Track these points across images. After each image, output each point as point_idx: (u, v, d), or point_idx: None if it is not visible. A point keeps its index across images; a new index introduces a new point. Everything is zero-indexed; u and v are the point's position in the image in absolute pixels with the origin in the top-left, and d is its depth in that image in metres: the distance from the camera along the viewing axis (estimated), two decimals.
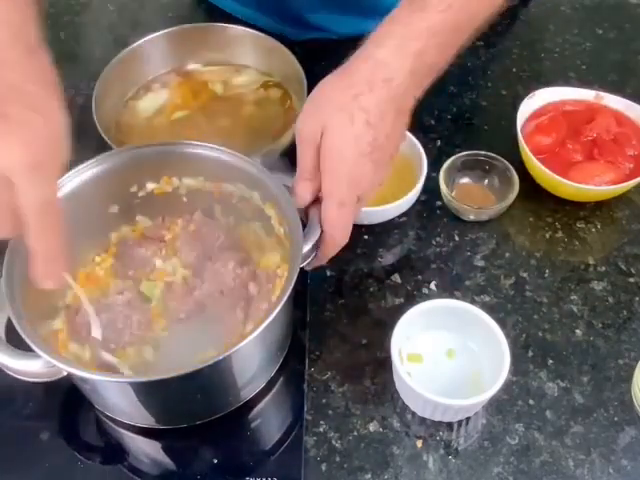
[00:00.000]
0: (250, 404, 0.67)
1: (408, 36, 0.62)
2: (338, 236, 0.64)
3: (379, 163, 0.63)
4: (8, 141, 0.49)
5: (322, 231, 0.63)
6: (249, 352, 0.61)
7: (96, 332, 0.63)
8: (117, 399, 0.63)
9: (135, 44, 0.86)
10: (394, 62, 0.61)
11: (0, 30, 0.52)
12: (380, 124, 0.61)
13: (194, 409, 0.64)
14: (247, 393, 0.66)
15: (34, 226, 0.50)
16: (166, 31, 0.88)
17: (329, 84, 0.63)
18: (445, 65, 0.65)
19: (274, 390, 0.68)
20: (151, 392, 0.61)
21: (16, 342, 0.57)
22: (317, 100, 0.63)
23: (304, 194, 0.63)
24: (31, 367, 0.56)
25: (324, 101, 0.62)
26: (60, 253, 0.53)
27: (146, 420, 0.64)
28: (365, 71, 0.61)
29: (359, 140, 0.61)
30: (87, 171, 0.67)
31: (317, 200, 0.64)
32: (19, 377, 0.57)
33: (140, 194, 0.71)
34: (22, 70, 0.52)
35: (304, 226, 0.63)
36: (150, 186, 0.71)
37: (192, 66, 0.91)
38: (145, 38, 0.87)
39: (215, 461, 0.64)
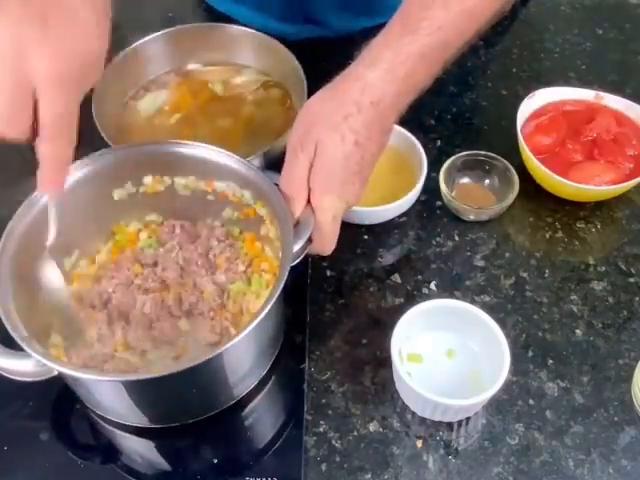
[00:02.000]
0: (244, 402, 0.67)
1: (397, 60, 0.65)
2: (328, 245, 0.67)
3: (364, 178, 0.67)
4: (41, 51, 0.50)
5: (310, 238, 0.64)
6: (240, 350, 0.61)
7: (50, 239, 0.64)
8: (109, 398, 0.63)
9: (135, 44, 0.86)
10: (382, 86, 0.65)
11: None
12: (367, 143, 0.65)
13: (186, 407, 0.64)
14: (239, 391, 0.66)
15: (48, 132, 0.53)
16: (166, 31, 0.88)
17: (321, 102, 0.66)
18: (431, 81, 0.68)
19: (269, 389, 0.68)
20: (143, 390, 0.61)
21: (8, 343, 0.57)
22: (310, 116, 0.66)
23: (297, 209, 0.65)
24: (22, 367, 0.57)
25: (317, 118, 0.65)
26: (67, 162, 0.56)
27: (139, 419, 0.65)
28: (355, 92, 0.65)
29: (349, 159, 0.64)
30: (82, 169, 0.68)
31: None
32: (10, 377, 0.57)
33: (135, 191, 0.72)
34: None
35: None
36: (143, 184, 0.71)
37: (192, 66, 0.91)
38: (145, 38, 0.87)
39: (215, 461, 0.64)
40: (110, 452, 0.65)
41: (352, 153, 0.64)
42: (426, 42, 0.65)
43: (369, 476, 0.63)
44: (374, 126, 0.65)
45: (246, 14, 0.96)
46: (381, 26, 0.69)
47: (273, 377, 0.69)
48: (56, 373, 0.57)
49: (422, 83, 0.67)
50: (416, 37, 0.65)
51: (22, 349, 0.56)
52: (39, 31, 0.50)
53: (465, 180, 0.82)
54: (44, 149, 0.54)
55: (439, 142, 0.87)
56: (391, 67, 0.65)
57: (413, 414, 0.66)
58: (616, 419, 0.66)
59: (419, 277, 0.76)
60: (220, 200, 0.72)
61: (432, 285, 0.75)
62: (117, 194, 0.71)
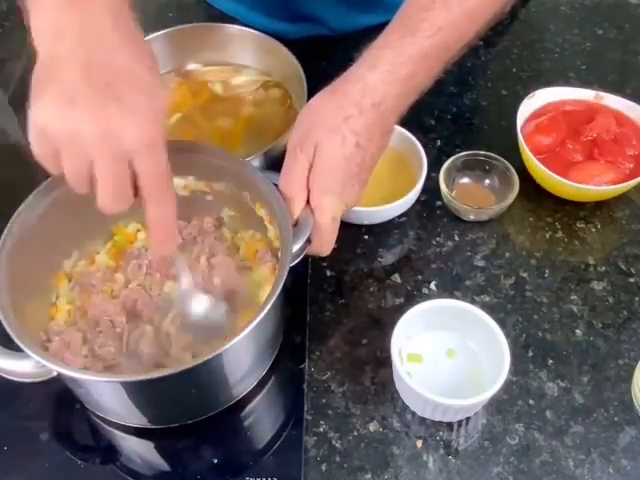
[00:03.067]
0: (243, 403, 0.67)
1: (398, 62, 0.65)
2: (327, 246, 0.67)
3: (364, 180, 0.67)
4: (125, 124, 0.51)
5: (309, 238, 0.65)
6: (240, 350, 0.61)
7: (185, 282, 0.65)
8: (108, 399, 0.63)
9: None
10: (383, 87, 0.65)
11: (103, 17, 0.54)
12: (368, 145, 0.65)
13: (186, 408, 0.64)
14: (239, 391, 0.66)
15: (155, 197, 0.54)
16: (166, 31, 0.88)
17: (321, 103, 0.66)
18: (432, 82, 0.69)
19: (269, 389, 0.68)
20: (142, 391, 0.61)
21: (7, 343, 0.57)
22: (310, 117, 0.66)
23: (296, 210, 0.65)
24: (21, 367, 0.57)
25: (317, 120, 0.65)
26: (172, 219, 0.56)
27: (138, 420, 0.65)
28: (355, 94, 0.65)
29: (349, 161, 0.64)
30: None
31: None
32: (9, 377, 0.57)
33: None
34: (127, 53, 0.54)
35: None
36: None
37: (192, 66, 0.91)
38: (145, 38, 0.86)
39: (215, 461, 0.64)
40: (110, 452, 0.65)
41: (353, 155, 0.64)
42: (427, 44, 0.65)
43: (369, 476, 0.63)
44: (375, 128, 0.65)
45: (244, 13, 0.96)
46: (381, 25, 0.69)
47: (273, 377, 0.69)
48: (55, 374, 0.57)
49: (422, 84, 0.68)
50: (417, 39, 0.65)
51: (21, 350, 0.56)
52: (116, 106, 0.51)
53: (465, 180, 0.82)
54: (153, 212, 0.55)
55: (439, 142, 0.87)
56: (392, 69, 0.65)
57: (413, 414, 0.66)
58: (616, 419, 0.66)
59: (419, 277, 0.76)
60: (219, 200, 0.72)
61: (432, 285, 0.75)
62: None
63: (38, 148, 0.52)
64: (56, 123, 0.50)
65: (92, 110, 0.50)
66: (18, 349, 0.56)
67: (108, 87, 0.51)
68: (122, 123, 0.51)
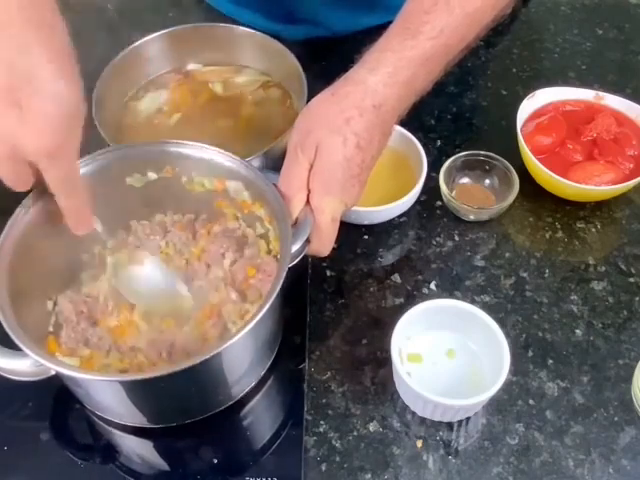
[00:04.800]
0: (243, 402, 0.67)
1: (399, 64, 0.65)
2: (326, 246, 0.67)
3: (364, 180, 0.67)
4: (24, 132, 0.52)
5: (308, 238, 0.65)
6: (239, 349, 0.61)
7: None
8: (107, 398, 0.63)
9: (135, 44, 0.86)
10: (384, 90, 0.65)
11: (10, 9, 0.53)
12: (368, 147, 0.65)
13: (185, 407, 0.64)
14: (238, 391, 0.66)
15: (61, 194, 0.59)
16: (166, 31, 0.88)
17: (323, 104, 0.67)
18: (431, 85, 0.69)
19: (268, 389, 0.68)
20: (141, 390, 0.61)
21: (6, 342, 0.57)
22: (311, 118, 0.66)
23: (295, 210, 0.65)
24: (19, 366, 0.57)
25: (318, 121, 0.66)
26: (84, 207, 0.62)
27: (137, 419, 0.65)
28: (356, 96, 0.65)
29: (350, 162, 0.64)
30: (82, 168, 0.67)
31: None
32: (7, 376, 0.57)
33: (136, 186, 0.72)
34: (36, 53, 0.53)
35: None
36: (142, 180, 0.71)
37: (192, 66, 0.91)
38: (145, 38, 0.87)
39: (214, 461, 0.64)
40: (109, 452, 0.65)
41: (353, 156, 0.64)
42: (428, 47, 0.66)
43: (369, 476, 0.63)
44: (375, 129, 0.65)
45: (245, 15, 0.96)
46: (380, 26, 0.69)
47: (272, 377, 0.69)
48: (53, 373, 0.57)
49: (423, 86, 0.68)
50: (418, 42, 0.66)
51: (19, 349, 0.56)
52: (16, 115, 0.52)
53: (465, 180, 0.82)
54: (62, 203, 0.60)
55: (439, 142, 0.87)
56: (393, 71, 0.65)
57: (413, 414, 0.66)
58: (616, 419, 0.66)
59: (419, 277, 0.76)
60: (218, 200, 0.72)
61: (432, 285, 0.75)
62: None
63: None
64: None
65: None
66: (17, 348, 0.56)
67: (10, 92, 0.51)
68: (22, 132, 0.52)
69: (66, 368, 0.57)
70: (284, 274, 0.60)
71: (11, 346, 0.57)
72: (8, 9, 0.53)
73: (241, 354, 0.63)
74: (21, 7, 0.53)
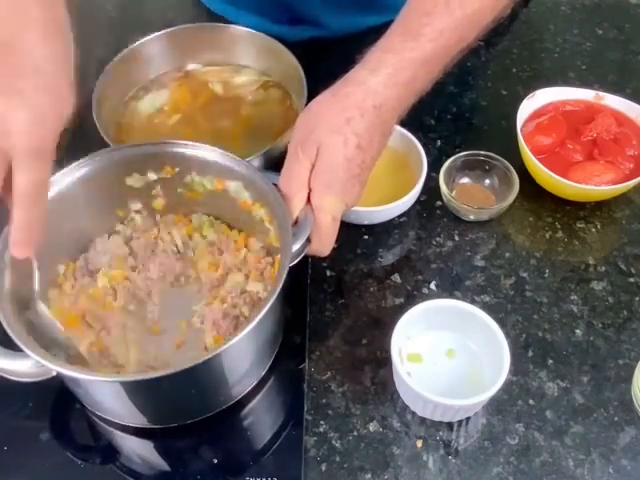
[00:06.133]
0: (243, 402, 0.67)
1: (400, 66, 0.66)
2: (326, 246, 0.67)
3: (364, 180, 0.67)
4: (16, 120, 0.51)
5: (308, 238, 0.65)
6: (239, 350, 0.61)
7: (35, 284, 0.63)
8: (108, 399, 0.63)
9: (135, 44, 0.86)
10: (385, 91, 0.66)
11: (31, 9, 0.54)
12: (369, 147, 0.65)
13: (185, 407, 0.64)
14: (238, 391, 0.66)
15: (23, 203, 0.53)
16: (166, 31, 0.88)
17: (323, 104, 0.67)
18: (432, 85, 0.69)
19: (268, 389, 0.68)
20: (141, 391, 0.61)
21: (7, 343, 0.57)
22: (312, 118, 0.66)
23: (295, 209, 0.65)
24: (20, 367, 0.56)
25: (319, 121, 0.66)
26: (35, 228, 0.55)
27: (138, 419, 0.65)
28: (357, 96, 0.65)
29: (351, 162, 0.65)
30: (82, 168, 0.68)
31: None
32: (8, 377, 0.57)
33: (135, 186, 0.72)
34: (42, 51, 0.54)
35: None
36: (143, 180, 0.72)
37: (192, 66, 0.91)
38: (145, 38, 0.87)
39: (215, 461, 0.64)
40: (109, 452, 0.65)
41: (354, 156, 0.64)
42: (428, 48, 0.66)
43: (369, 476, 0.63)
44: (376, 130, 0.66)
45: (245, 17, 0.96)
46: (380, 26, 0.69)
47: (273, 377, 0.69)
48: (55, 374, 0.57)
49: (422, 87, 0.69)
50: (418, 43, 0.66)
51: (20, 349, 0.56)
52: (15, 102, 0.51)
53: (465, 180, 0.82)
54: (19, 216, 0.53)
55: (439, 142, 0.87)
56: (393, 72, 0.65)
57: (413, 414, 0.66)
58: (616, 419, 0.66)
59: (419, 277, 0.76)
60: (217, 200, 0.72)
61: (432, 285, 0.75)
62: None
63: None
64: None
65: None
66: (18, 349, 0.56)
67: (12, 84, 0.51)
68: (13, 118, 0.51)
69: (67, 369, 0.57)
70: (285, 274, 0.60)
71: (11, 347, 0.57)
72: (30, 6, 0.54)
73: (241, 354, 0.63)
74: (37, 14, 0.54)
